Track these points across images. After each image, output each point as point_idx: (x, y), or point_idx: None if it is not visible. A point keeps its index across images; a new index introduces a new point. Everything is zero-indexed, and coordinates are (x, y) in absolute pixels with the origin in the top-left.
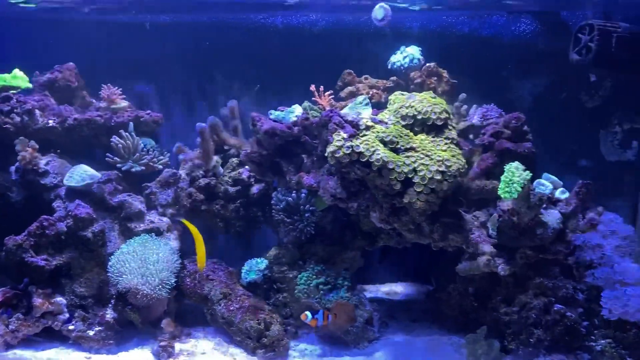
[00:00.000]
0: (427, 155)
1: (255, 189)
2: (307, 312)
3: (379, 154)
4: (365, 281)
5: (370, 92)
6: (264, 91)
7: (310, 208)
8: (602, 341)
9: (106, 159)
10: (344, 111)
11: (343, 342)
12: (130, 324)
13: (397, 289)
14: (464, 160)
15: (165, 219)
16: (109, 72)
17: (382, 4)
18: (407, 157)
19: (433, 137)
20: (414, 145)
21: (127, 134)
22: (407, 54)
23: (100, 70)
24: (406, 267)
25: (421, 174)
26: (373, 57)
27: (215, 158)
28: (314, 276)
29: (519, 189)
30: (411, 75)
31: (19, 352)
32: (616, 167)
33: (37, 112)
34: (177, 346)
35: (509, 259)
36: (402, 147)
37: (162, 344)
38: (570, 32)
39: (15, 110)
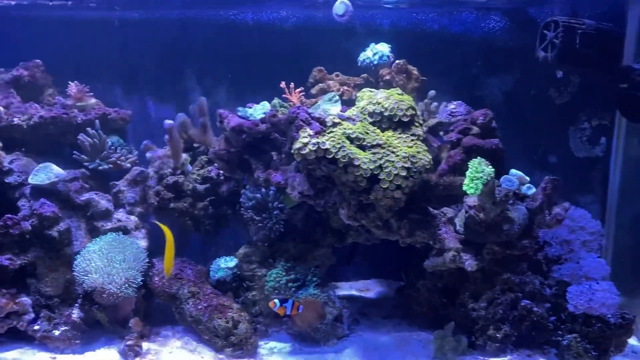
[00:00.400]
0: (393, 152)
1: (224, 186)
2: (276, 300)
3: (345, 150)
4: (338, 278)
5: (341, 89)
6: (234, 88)
7: (279, 205)
8: (569, 336)
9: (73, 157)
10: (312, 108)
11: (313, 340)
12: (97, 324)
13: (369, 286)
14: (430, 157)
15: (133, 217)
16: (77, 69)
17: None
18: (374, 153)
19: (400, 133)
20: (380, 142)
21: (94, 131)
22: (376, 51)
23: (68, 67)
24: (379, 263)
25: (387, 170)
26: (344, 54)
27: (184, 156)
28: (284, 273)
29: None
30: (380, 72)
31: None
32: (585, 163)
33: (2, 109)
34: (145, 345)
35: (476, 255)
36: (368, 144)
37: (129, 343)
38: (538, 29)
39: None
